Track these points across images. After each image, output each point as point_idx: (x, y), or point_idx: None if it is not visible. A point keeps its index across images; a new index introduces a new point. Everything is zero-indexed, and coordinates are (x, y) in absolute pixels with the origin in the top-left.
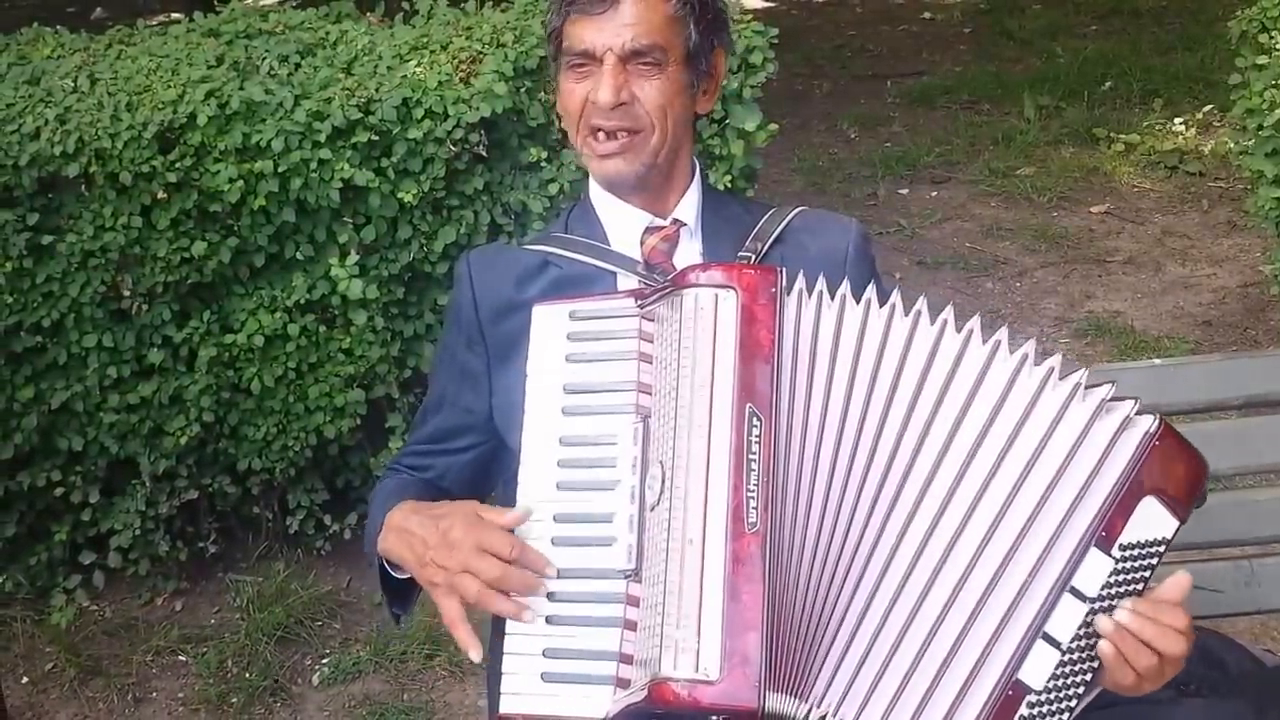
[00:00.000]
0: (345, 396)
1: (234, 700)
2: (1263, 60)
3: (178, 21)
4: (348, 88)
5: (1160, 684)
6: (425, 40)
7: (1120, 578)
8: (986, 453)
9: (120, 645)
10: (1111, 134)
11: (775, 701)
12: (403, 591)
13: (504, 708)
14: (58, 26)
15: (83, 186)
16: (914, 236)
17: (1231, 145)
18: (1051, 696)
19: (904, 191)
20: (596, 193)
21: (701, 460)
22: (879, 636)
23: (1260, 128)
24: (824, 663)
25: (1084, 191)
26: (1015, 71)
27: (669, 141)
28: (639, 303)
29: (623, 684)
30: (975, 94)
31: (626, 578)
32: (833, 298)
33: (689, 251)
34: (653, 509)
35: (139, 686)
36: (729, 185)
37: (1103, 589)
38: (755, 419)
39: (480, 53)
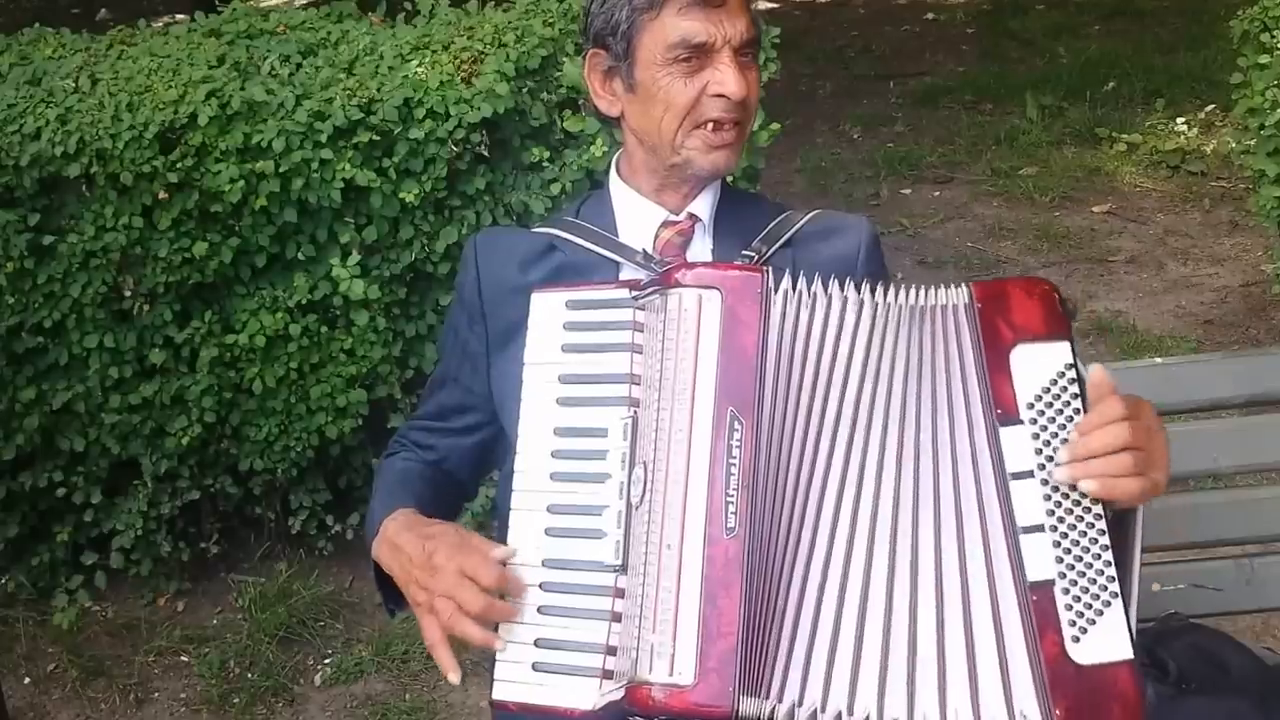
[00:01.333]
0: (347, 397)
1: (236, 701)
2: (1264, 60)
3: (180, 22)
4: (349, 88)
5: (1166, 460)
6: (427, 40)
7: (1047, 429)
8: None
9: (122, 646)
10: (1114, 134)
11: (749, 706)
12: (399, 590)
13: (496, 694)
14: (61, 28)
15: (84, 187)
16: (916, 236)
17: (1233, 145)
18: (1078, 572)
19: (907, 191)
20: (616, 183)
21: (681, 464)
22: (860, 624)
23: (1262, 127)
24: (803, 666)
25: (1086, 191)
26: (1018, 72)
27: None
28: (633, 294)
29: (608, 676)
30: (978, 94)
31: (615, 571)
32: (829, 295)
33: (700, 248)
34: (636, 508)
35: (141, 687)
36: (731, 185)
37: (1038, 453)
38: (737, 422)
39: (482, 53)
